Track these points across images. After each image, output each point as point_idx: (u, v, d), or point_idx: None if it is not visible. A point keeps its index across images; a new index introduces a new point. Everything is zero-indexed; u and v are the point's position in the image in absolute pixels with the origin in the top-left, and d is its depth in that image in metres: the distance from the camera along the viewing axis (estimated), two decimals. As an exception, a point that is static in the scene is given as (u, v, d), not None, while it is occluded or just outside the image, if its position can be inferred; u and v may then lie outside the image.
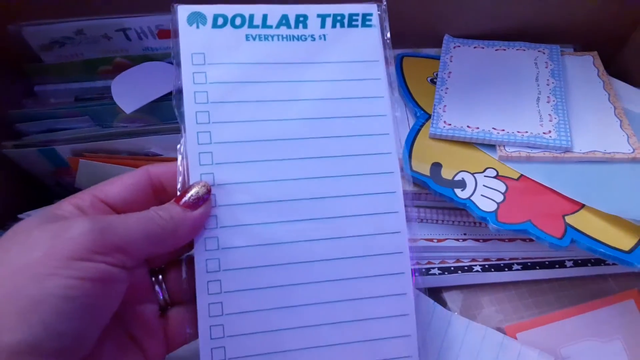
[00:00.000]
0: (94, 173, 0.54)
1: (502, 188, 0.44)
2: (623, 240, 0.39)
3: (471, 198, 0.43)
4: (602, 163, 0.45)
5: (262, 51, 0.35)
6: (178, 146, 0.34)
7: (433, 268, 0.45)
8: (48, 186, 0.58)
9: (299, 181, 0.34)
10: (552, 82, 0.52)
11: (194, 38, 0.35)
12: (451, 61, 0.56)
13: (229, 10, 0.36)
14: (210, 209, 0.31)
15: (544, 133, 0.47)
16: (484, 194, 0.43)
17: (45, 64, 0.55)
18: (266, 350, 0.32)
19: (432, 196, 0.45)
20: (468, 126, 0.48)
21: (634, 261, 0.38)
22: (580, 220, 0.41)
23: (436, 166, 0.45)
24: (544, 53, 0.56)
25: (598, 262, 0.45)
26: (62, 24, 0.52)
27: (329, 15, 0.37)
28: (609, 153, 0.45)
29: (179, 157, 0.34)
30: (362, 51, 0.37)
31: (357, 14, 0.37)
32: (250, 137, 0.34)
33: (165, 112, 0.58)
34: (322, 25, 0.37)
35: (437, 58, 0.57)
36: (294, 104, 0.35)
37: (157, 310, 0.32)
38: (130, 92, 0.55)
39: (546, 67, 0.54)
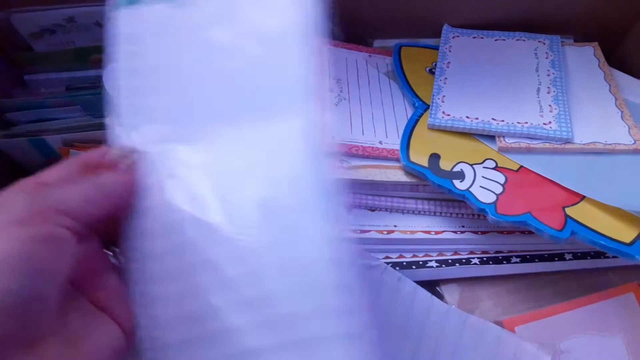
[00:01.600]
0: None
1: (502, 179, 0.43)
2: (624, 233, 0.39)
3: (470, 189, 0.42)
4: (602, 154, 0.45)
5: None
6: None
7: (430, 261, 0.44)
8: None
9: None
10: (553, 73, 0.52)
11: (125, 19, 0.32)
12: (450, 51, 0.55)
13: None
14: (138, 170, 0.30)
15: (544, 124, 0.46)
16: (483, 186, 0.42)
17: (36, 53, 0.54)
18: None
19: (430, 188, 0.44)
20: (467, 117, 0.48)
21: (635, 253, 0.37)
22: (581, 212, 0.40)
23: (434, 157, 0.45)
24: (544, 43, 0.55)
25: (598, 254, 0.44)
26: (53, 11, 0.51)
27: None
28: (610, 144, 0.45)
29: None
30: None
31: None
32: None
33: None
34: None
35: (436, 48, 0.56)
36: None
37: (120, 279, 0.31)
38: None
39: (546, 58, 0.54)
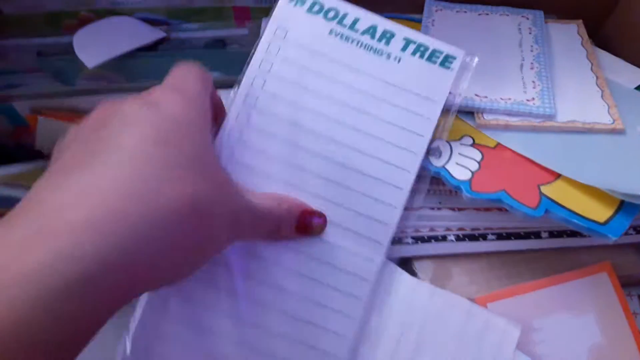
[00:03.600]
0: (55, 133, 0.52)
1: (478, 156, 0.43)
2: (598, 212, 0.39)
3: (445, 166, 0.42)
4: (580, 133, 0.45)
5: (338, 49, 0.39)
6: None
7: (406, 237, 0.44)
8: (8, 148, 0.56)
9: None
10: (536, 49, 0.51)
11: (286, 14, 0.39)
12: (433, 25, 0.54)
13: (328, 1, 0.39)
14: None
15: (527, 100, 0.46)
16: (459, 162, 0.42)
17: (5, 15, 0.52)
18: None
19: (408, 164, 0.44)
20: (450, 93, 0.47)
21: (609, 232, 0.38)
22: (556, 191, 0.41)
23: (412, 133, 0.44)
24: (527, 18, 0.55)
25: (574, 233, 0.45)
26: (21, -30, 0.49)
27: (414, 42, 0.40)
28: (589, 123, 0.45)
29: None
30: (427, 87, 0.39)
31: (441, 52, 0.40)
32: (289, 117, 0.37)
33: (132, 70, 0.56)
34: (403, 49, 0.39)
35: (419, 21, 0.55)
36: (341, 106, 0.38)
37: None
38: (93, 46, 0.53)
39: (530, 33, 0.53)
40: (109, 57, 0.54)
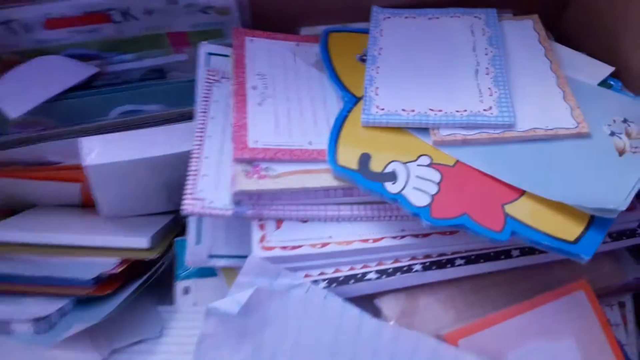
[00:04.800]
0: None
1: (437, 177, 0.40)
2: (568, 230, 0.37)
3: (402, 192, 0.39)
4: (543, 142, 0.43)
5: None
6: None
7: (369, 272, 0.41)
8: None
9: None
10: (491, 51, 0.49)
11: None
12: (382, 35, 0.52)
13: None
14: None
15: (484, 110, 0.44)
16: (417, 186, 0.40)
17: None
18: None
19: (364, 191, 0.42)
20: (403, 109, 0.45)
21: (580, 252, 0.36)
22: (521, 210, 0.38)
23: (365, 157, 0.42)
24: (480, 18, 0.53)
25: (546, 250, 0.42)
26: None
27: None
28: (551, 129, 0.43)
29: None
30: None
31: None
32: None
33: (65, 113, 0.52)
34: None
35: (367, 32, 0.53)
36: None
37: None
38: (17, 92, 0.49)
39: (483, 35, 0.51)
40: (36, 103, 0.51)
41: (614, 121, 0.44)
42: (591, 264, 0.42)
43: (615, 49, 0.51)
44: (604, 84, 0.48)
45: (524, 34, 0.53)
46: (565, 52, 0.52)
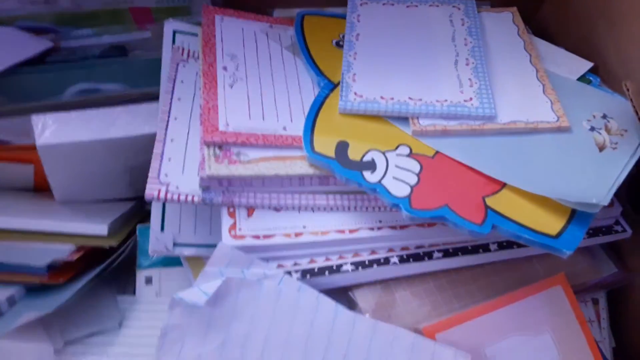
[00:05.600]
0: None
1: (416, 168, 0.40)
2: (549, 224, 0.36)
3: (382, 182, 0.38)
4: (524, 134, 0.42)
5: None
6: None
7: (345, 264, 0.40)
8: None
9: None
10: (470, 42, 0.49)
11: None
12: (358, 21, 0.51)
13: None
14: None
15: (464, 101, 0.43)
16: (397, 176, 0.39)
17: None
18: None
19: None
20: (382, 97, 0.44)
21: (562, 247, 0.35)
22: (502, 202, 0.38)
23: (342, 145, 0.41)
24: (459, 9, 0.52)
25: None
26: None
27: None
28: (532, 123, 0.43)
29: None
30: None
31: None
32: None
33: (14, 89, 0.49)
34: None
35: (344, 17, 0.51)
36: None
37: None
38: (-37, 66, 0.46)
39: (462, 25, 0.51)
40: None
41: (594, 116, 0.44)
42: (567, 260, 0.42)
43: (594, 44, 0.52)
44: (582, 79, 0.49)
45: (503, 26, 0.53)
46: (544, 46, 0.52)
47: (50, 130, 0.44)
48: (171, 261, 0.47)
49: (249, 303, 0.37)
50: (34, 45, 0.51)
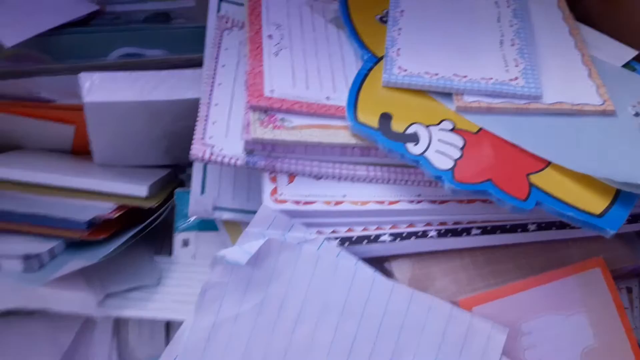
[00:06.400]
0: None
1: (460, 143, 0.40)
2: (593, 203, 0.37)
3: (425, 154, 0.39)
4: (569, 116, 0.42)
5: None
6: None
7: (383, 234, 0.41)
8: None
9: None
10: (515, 24, 0.49)
11: None
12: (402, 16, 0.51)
13: None
14: None
15: (510, 80, 0.43)
16: (440, 150, 0.39)
17: None
18: None
19: (382, 152, 0.41)
20: (426, 72, 0.44)
21: (606, 226, 0.35)
22: (546, 180, 0.38)
23: (385, 117, 0.41)
24: (505, -9, 0.52)
25: (563, 225, 0.43)
26: None
27: None
28: (577, 104, 0.43)
29: None
30: None
31: None
32: None
33: (60, 49, 0.50)
34: None
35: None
36: None
37: None
38: (13, 21, 0.47)
39: (508, 7, 0.51)
40: (33, 33, 0.48)
41: (639, 103, 0.44)
42: (604, 245, 0.43)
43: (638, 33, 0.51)
44: (627, 66, 0.48)
45: (548, 10, 0.53)
46: (589, 33, 0.52)
47: (98, 88, 0.45)
48: (207, 225, 0.48)
49: (288, 266, 0.38)
50: (81, 8, 0.52)
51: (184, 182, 0.55)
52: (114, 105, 0.46)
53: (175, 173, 0.56)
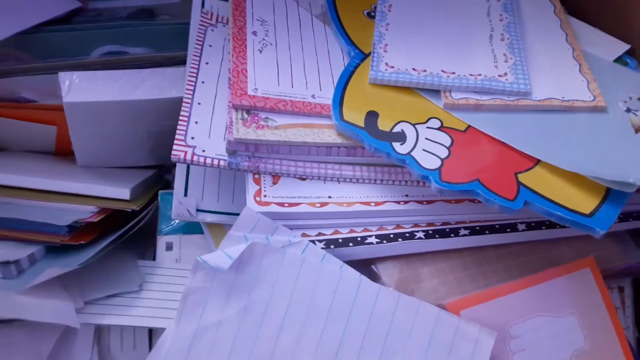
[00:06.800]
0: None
1: (447, 141, 0.39)
2: (583, 202, 0.36)
3: (411, 153, 0.38)
4: (559, 112, 0.42)
5: None
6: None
7: (370, 236, 0.40)
8: None
9: None
10: (506, 18, 0.48)
11: None
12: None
13: None
14: None
15: (499, 76, 0.42)
16: (426, 149, 0.39)
17: None
18: None
19: (369, 152, 0.40)
20: (414, 69, 0.43)
21: (596, 225, 0.35)
22: (535, 179, 0.37)
23: (372, 115, 0.40)
24: (495, -16, 0.51)
25: (552, 225, 0.42)
26: None
27: None
28: (568, 101, 0.42)
29: None
30: None
31: None
32: None
33: (42, 47, 0.49)
34: None
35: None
36: None
37: None
38: (-7, 19, 0.46)
39: (498, 1, 0.50)
40: (14, 31, 0.47)
41: (630, 98, 0.43)
42: (595, 244, 0.42)
43: (631, 27, 0.51)
44: (619, 61, 0.48)
45: (539, 4, 0.52)
46: (580, 27, 0.51)
47: (77, 88, 0.44)
48: (191, 228, 0.47)
49: (272, 270, 0.37)
50: (62, 5, 0.51)
51: (170, 183, 0.54)
52: (94, 105, 0.45)
53: (161, 174, 0.55)
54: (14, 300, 0.38)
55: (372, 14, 0.49)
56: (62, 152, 0.53)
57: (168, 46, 0.51)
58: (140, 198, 0.48)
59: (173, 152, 0.39)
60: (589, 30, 0.51)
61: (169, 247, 0.46)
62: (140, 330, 0.43)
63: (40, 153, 0.54)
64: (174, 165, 0.46)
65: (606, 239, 0.44)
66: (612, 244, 0.44)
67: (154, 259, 0.46)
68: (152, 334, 0.43)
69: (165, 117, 0.47)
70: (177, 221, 0.47)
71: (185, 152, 0.40)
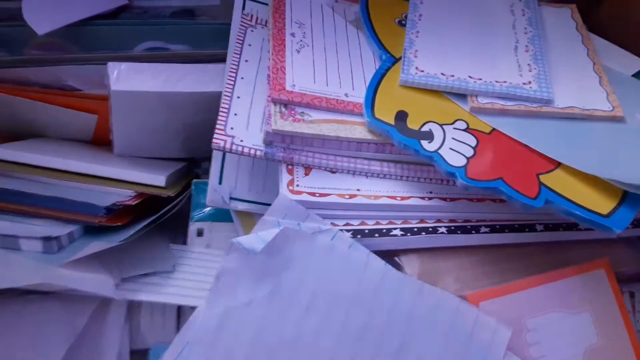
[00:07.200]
0: (1, 107, 0.48)
1: (473, 142, 0.41)
2: (601, 203, 0.38)
3: (439, 151, 0.40)
4: (580, 120, 0.44)
5: None
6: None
7: (394, 229, 0.42)
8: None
9: None
10: (530, 31, 0.50)
11: None
12: (422, 3, 0.53)
13: None
14: None
15: (523, 83, 0.45)
16: (453, 148, 0.41)
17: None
18: None
19: (397, 149, 0.42)
20: (442, 73, 0.46)
21: (612, 226, 0.37)
22: (556, 180, 0.39)
23: (401, 115, 0.43)
24: (520, 0, 0.54)
25: (570, 226, 0.44)
26: None
27: None
28: (588, 110, 0.44)
29: None
30: None
31: None
32: None
33: (88, 40, 0.52)
34: None
35: (407, -1, 0.54)
36: None
37: None
38: (45, 11, 0.49)
39: (523, 15, 0.52)
40: (63, 23, 0.50)
41: (648, 111, 0.45)
42: (609, 247, 0.44)
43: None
44: (637, 76, 0.50)
45: (562, 20, 0.54)
46: (601, 43, 0.53)
47: (125, 77, 0.47)
48: (221, 217, 0.49)
49: (302, 255, 0.39)
50: (110, 1, 0.54)
51: (199, 176, 0.56)
52: (139, 95, 0.47)
53: (190, 167, 0.57)
54: (56, 272, 0.40)
55: (403, 22, 0.52)
56: (99, 141, 0.55)
57: (207, 44, 0.54)
58: (174, 186, 0.50)
59: (214, 141, 0.41)
60: (609, 47, 0.53)
61: (200, 233, 0.48)
62: (170, 310, 0.45)
63: (77, 141, 0.56)
64: (204, 158, 0.48)
65: (619, 244, 0.46)
66: (624, 249, 0.46)
67: (184, 244, 0.48)
68: (181, 315, 0.45)
69: (203, 111, 0.49)
70: (208, 209, 0.49)
71: (225, 141, 0.42)
